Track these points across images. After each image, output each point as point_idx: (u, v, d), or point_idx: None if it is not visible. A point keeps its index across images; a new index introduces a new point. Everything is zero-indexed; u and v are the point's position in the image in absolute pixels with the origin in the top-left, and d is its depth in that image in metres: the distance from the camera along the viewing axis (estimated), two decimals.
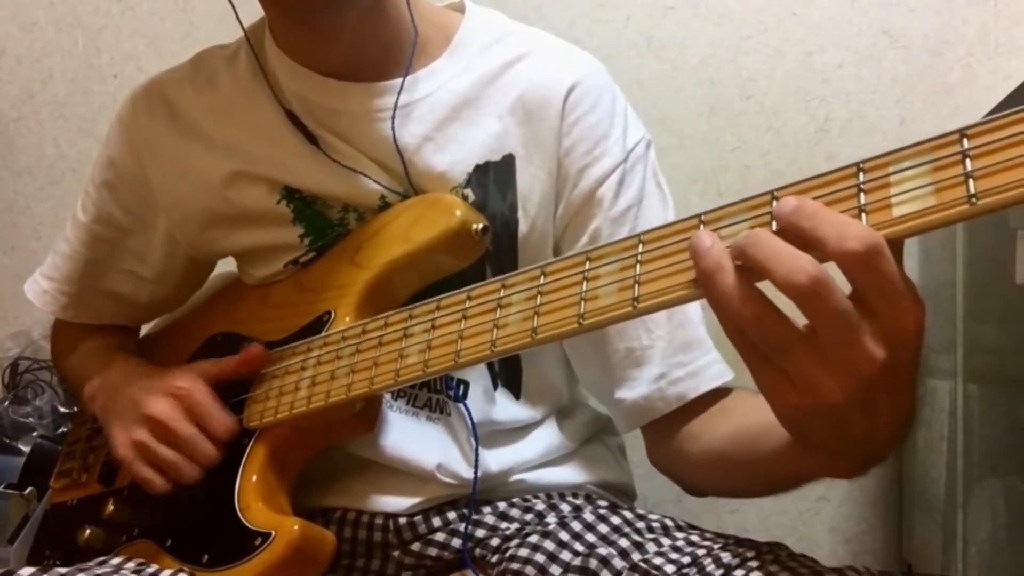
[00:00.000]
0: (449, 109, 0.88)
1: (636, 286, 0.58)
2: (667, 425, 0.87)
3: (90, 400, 0.95)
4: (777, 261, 0.49)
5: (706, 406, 0.85)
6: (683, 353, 0.86)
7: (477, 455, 0.86)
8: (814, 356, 0.50)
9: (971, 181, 0.46)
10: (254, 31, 0.94)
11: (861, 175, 0.50)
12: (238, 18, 0.91)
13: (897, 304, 0.49)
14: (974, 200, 0.46)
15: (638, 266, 0.59)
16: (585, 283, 0.62)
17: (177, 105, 0.94)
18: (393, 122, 0.86)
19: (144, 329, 1.12)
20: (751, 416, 0.76)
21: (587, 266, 0.62)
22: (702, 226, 0.57)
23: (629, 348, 0.87)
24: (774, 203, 0.54)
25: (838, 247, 0.48)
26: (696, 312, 0.88)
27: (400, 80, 0.88)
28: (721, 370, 0.87)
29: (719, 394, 0.86)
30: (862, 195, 0.50)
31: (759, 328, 0.51)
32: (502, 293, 0.67)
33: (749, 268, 0.51)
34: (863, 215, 0.50)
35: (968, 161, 0.47)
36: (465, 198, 0.87)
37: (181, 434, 0.81)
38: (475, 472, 0.86)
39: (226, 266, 1.03)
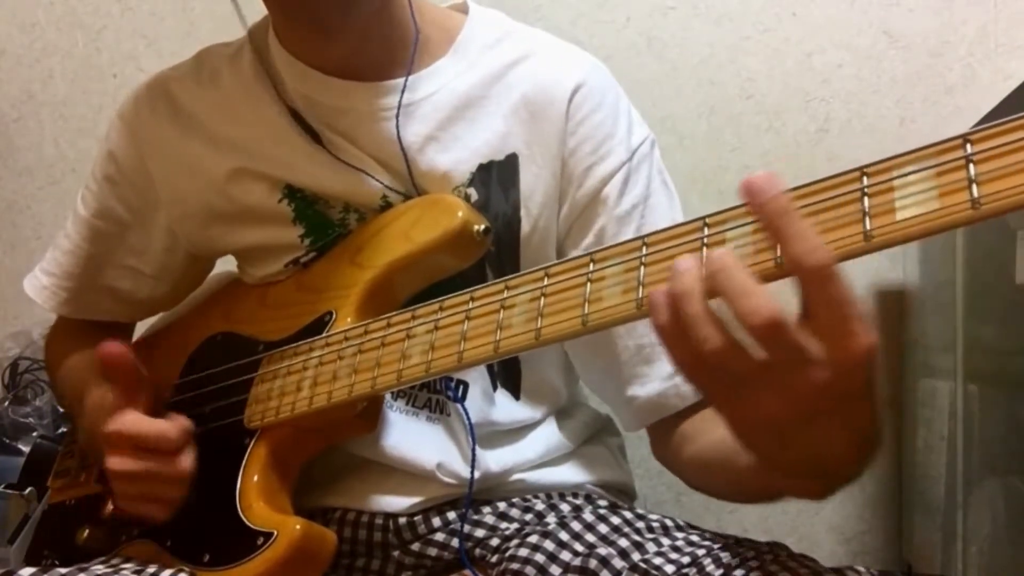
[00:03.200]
0: (452, 109, 0.88)
1: (640, 288, 0.59)
2: (670, 424, 0.87)
3: (88, 447, 0.96)
4: (741, 297, 0.50)
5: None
6: None
7: (474, 456, 0.86)
8: (764, 381, 0.52)
9: (974, 186, 0.46)
10: (257, 30, 0.94)
11: (865, 179, 0.50)
12: (240, 15, 0.91)
13: (846, 329, 0.50)
14: (977, 205, 0.46)
15: (642, 268, 0.59)
16: (589, 285, 0.62)
17: (180, 101, 0.94)
18: (397, 121, 0.87)
19: (142, 328, 1.12)
20: None
21: (591, 268, 0.62)
22: (706, 228, 0.57)
23: (639, 345, 0.87)
24: None
25: (796, 260, 0.49)
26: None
27: (403, 79, 0.88)
28: None
29: None
30: (866, 199, 0.50)
31: (719, 356, 0.52)
32: (506, 294, 0.68)
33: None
34: (867, 219, 0.50)
35: (972, 166, 0.47)
36: (468, 197, 0.87)
37: (139, 474, 0.79)
38: (471, 473, 0.86)
39: (225, 265, 1.03)
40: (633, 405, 0.89)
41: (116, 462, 0.79)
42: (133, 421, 0.80)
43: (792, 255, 0.49)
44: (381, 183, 0.87)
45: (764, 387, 0.52)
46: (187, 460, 0.80)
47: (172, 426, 0.80)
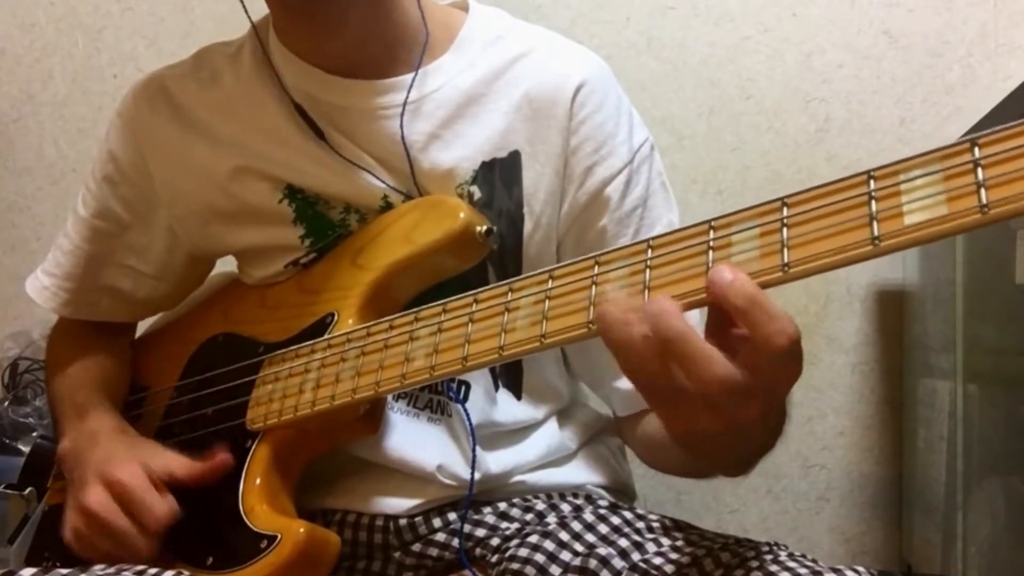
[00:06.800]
0: (455, 106, 0.88)
1: (646, 291, 0.58)
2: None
3: (62, 462, 0.93)
4: (701, 366, 0.53)
5: None
6: None
7: (474, 458, 0.86)
8: (701, 404, 0.55)
9: (983, 191, 0.47)
10: (259, 28, 0.94)
11: (872, 183, 0.50)
12: (247, 12, 0.90)
13: (779, 368, 0.54)
14: (986, 210, 0.46)
15: (648, 271, 0.59)
16: (594, 288, 0.61)
17: (179, 100, 0.94)
18: (402, 119, 0.86)
19: (143, 327, 1.12)
20: None
21: (596, 271, 0.62)
22: (712, 232, 0.57)
23: None
24: (784, 209, 0.54)
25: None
26: (694, 316, 0.89)
27: (408, 76, 0.87)
28: None
29: None
30: (873, 203, 0.50)
31: (661, 378, 0.55)
32: (509, 297, 0.67)
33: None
34: (875, 223, 0.50)
35: (980, 170, 0.47)
36: (471, 195, 0.87)
37: (112, 528, 0.79)
38: (472, 475, 0.86)
39: (225, 266, 1.03)
40: (620, 393, 0.91)
41: (97, 500, 0.79)
42: (142, 485, 0.80)
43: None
44: (383, 183, 0.87)
45: (703, 408, 0.55)
46: (153, 543, 0.79)
47: (164, 511, 0.80)
